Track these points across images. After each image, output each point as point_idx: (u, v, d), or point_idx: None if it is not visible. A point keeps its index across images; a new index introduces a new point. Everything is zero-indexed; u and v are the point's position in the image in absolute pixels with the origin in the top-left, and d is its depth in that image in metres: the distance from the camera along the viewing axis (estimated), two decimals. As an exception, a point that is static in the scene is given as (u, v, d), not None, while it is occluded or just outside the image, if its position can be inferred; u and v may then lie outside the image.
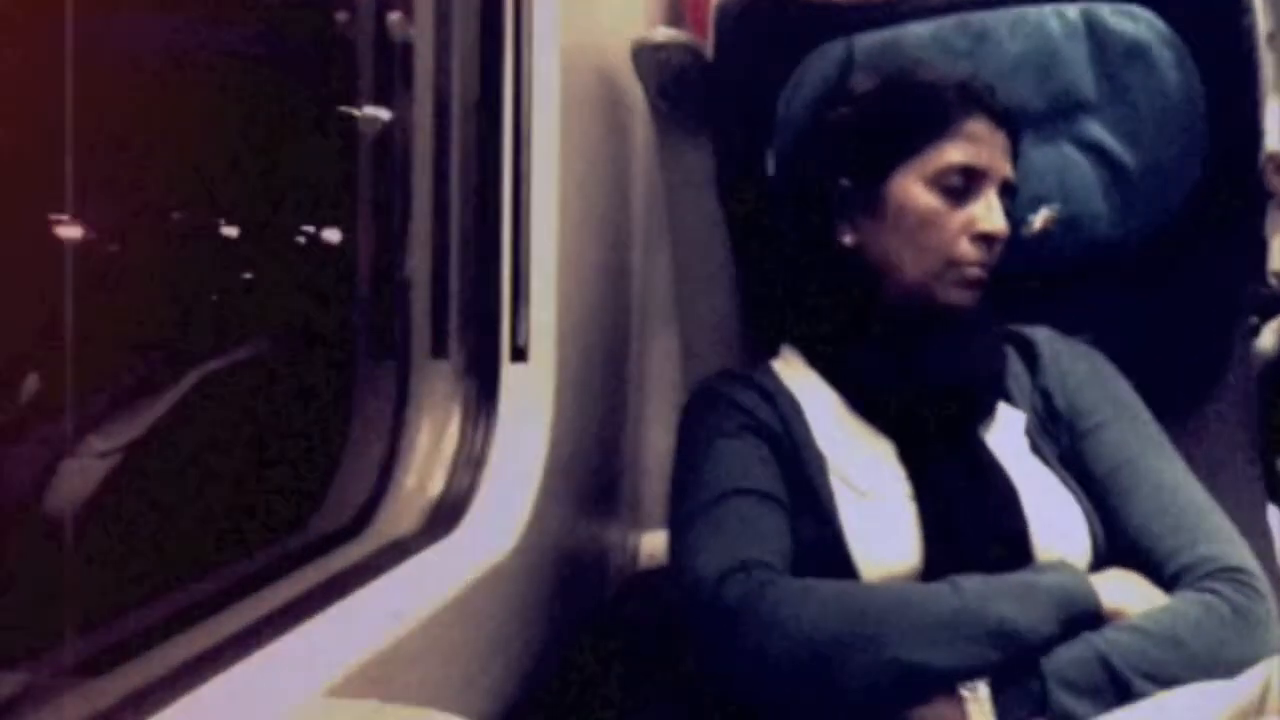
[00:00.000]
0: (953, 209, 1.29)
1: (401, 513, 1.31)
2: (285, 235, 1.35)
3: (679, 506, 1.28)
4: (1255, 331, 1.54)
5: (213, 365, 1.29)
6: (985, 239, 1.28)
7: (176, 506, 1.22)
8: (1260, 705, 1.01)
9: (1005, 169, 1.31)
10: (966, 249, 1.28)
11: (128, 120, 1.14)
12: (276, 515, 1.29)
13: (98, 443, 1.21)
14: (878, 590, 1.17)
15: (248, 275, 1.33)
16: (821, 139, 1.37)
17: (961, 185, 1.29)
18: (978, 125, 1.30)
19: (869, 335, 1.33)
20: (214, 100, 1.26)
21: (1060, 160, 1.51)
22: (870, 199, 1.32)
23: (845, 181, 1.33)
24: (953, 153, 1.29)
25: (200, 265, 1.26)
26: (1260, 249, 1.50)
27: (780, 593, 1.14)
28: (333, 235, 1.41)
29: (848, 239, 1.33)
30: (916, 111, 1.31)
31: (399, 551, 1.22)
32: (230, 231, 1.30)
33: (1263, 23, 1.50)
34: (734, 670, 1.15)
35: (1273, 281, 1.56)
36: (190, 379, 1.27)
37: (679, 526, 1.26)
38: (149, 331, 1.24)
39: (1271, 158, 1.47)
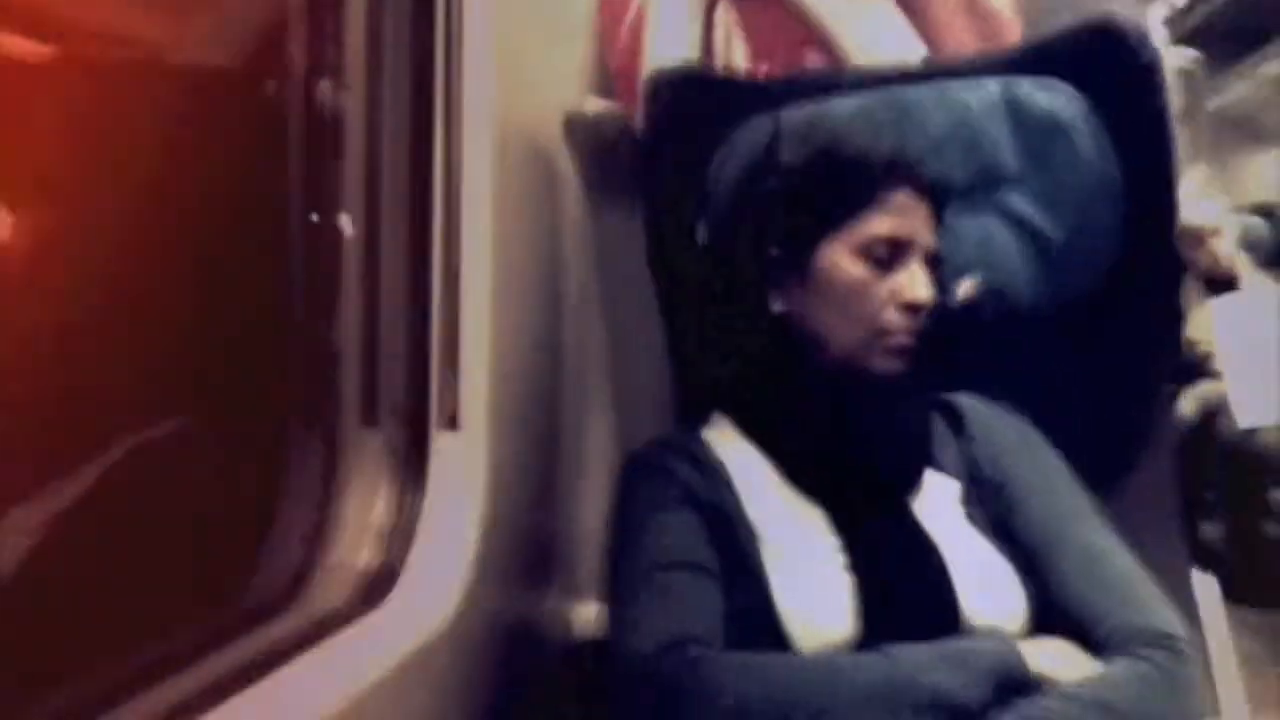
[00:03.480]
0: (879, 278, 1.31)
1: (331, 586, 1.29)
2: (212, 304, 1.33)
3: (614, 579, 1.27)
4: (1173, 397, 1.57)
5: (138, 437, 1.27)
6: (911, 308, 1.30)
7: (100, 581, 1.19)
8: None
9: (929, 239, 1.34)
10: (893, 317, 1.30)
11: (54, 185, 1.13)
12: (202, 589, 1.26)
13: (19, 518, 1.19)
14: (812, 661, 1.17)
15: (175, 345, 1.30)
16: (751, 209, 1.39)
17: (887, 256, 1.31)
18: (903, 197, 1.33)
19: (799, 403, 1.34)
20: (146, 166, 1.25)
21: (984, 231, 1.54)
22: (799, 268, 1.33)
23: (774, 251, 1.34)
24: (879, 224, 1.31)
25: (126, 336, 1.24)
26: (1178, 318, 1.53)
27: (716, 667, 1.14)
28: (262, 303, 1.39)
29: (776, 306, 1.35)
30: (844, 183, 1.33)
31: (328, 626, 1.20)
32: (155, 301, 1.29)
33: (1176, 99, 1.54)
34: None
35: (1188, 349, 1.59)
36: (116, 451, 1.24)
37: (614, 600, 1.25)
38: (73, 402, 1.22)
39: (1186, 230, 1.51)
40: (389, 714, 1.13)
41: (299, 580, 1.29)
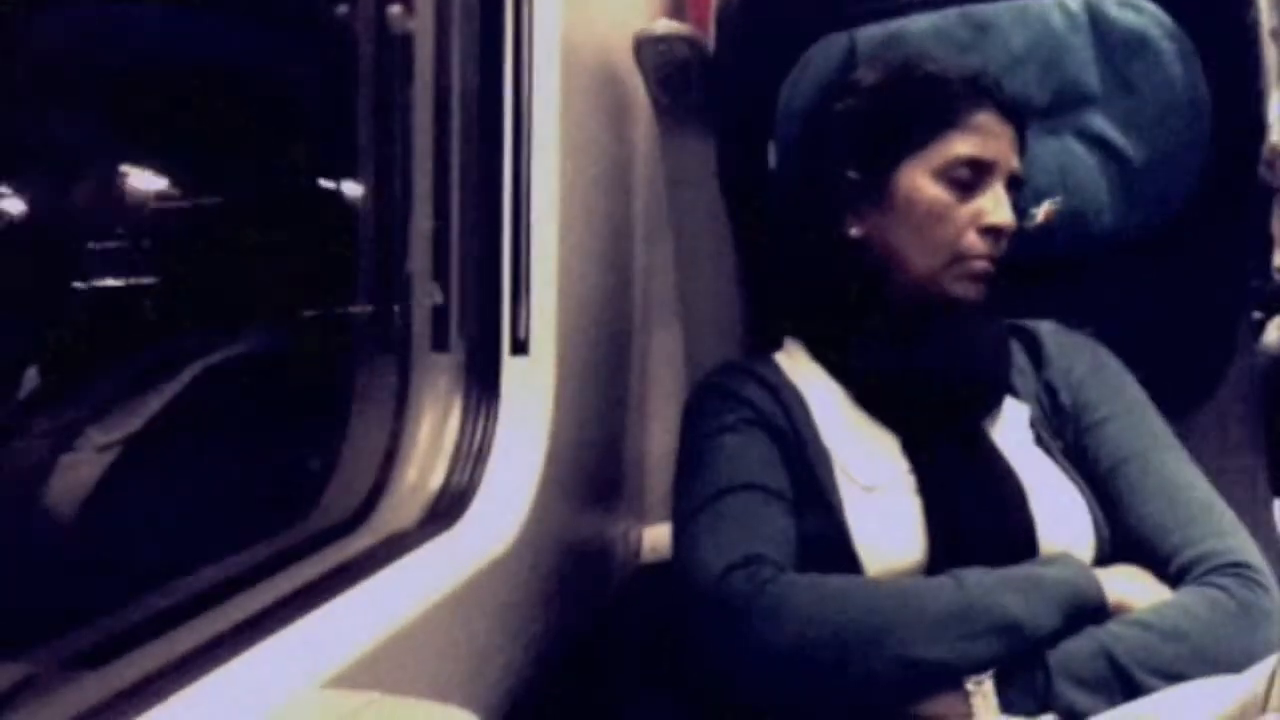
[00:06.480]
0: (960, 201, 1.29)
1: (402, 506, 1.31)
2: (285, 228, 1.34)
3: (682, 502, 1.27)
4: (1260, 326, 1.54)
5: (212, 358, 1.29)
6: (993, 232, 1.28)
7: (176, 500, 1.21)
8: (1264, 701, 1.00)
9: (1013, 162, 1.32)
10: (974, 241, 1.28)
11: (125, 106, 1.14)
12: (275, 508, 1.28)
13: (97, 436, 1.21)
14: (881, 585, 1.17)
15: (248, 266, 1.32)
16: (827, 131, 1.37)
17: (969, 178, 1.29)
18: (986, 118, 1.30)
19: (874, 328, 1.32)
20: (216, 92, 1.26)
21: (1063, 153, 1.50)
22: (877, 191, 1.31)
23: (852, 173, 1.33)
24: (960, 145, 1.29)
25: (199, 256, 1.26)
26: (1265, 243, 1.49)
27: (783, 588, 1.14)
28: (333, 225, 1.40)
29: (854, 231, 1.33)
30: (924, 103, 1.31)
31: (399, 544, 1.22)
32: (231, 223, 1.30)
33: (1266, 16, 1.49)
34: (736, 666, 1.14)
35: (1277, 276, 1.55)
36: (189, 372, 1.26)
37: (682, 522, 1.25)
38: (148, 323, 1.23)
39: (1275, 151, 1.47)
40: (457, 631, 1.14)
41: (371, 500, 1.31)
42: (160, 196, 1.24)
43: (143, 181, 1.23)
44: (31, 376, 1.15)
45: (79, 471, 1.18)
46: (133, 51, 1.19)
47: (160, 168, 1.22)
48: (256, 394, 1.33)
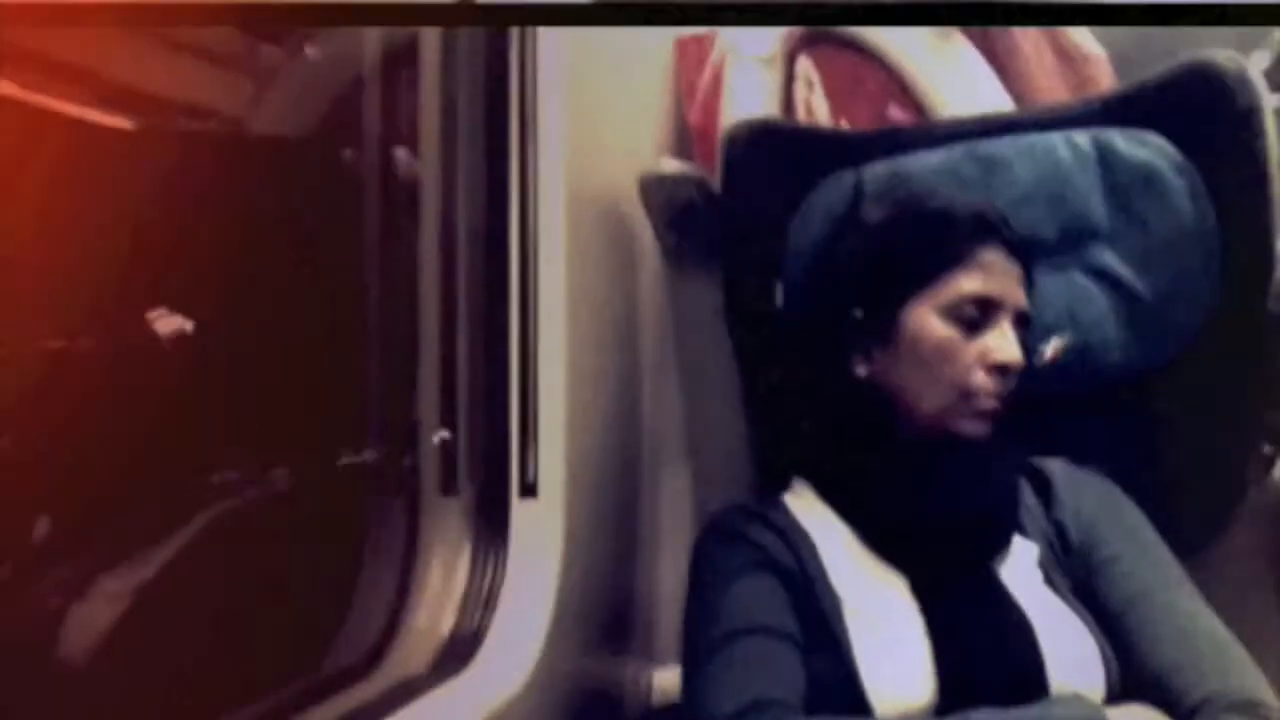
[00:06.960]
0: (967, 339, 1.29)
1: (412, 651, 1.30)
2: (293, 375, 1.35)
3: (691, 644, 1.27)
4: (1271, 461, 1.52)
5: (224, 505, 1.29)
6: (1000, 370, 1.28)
7: (187, 647, 1.21)
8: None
9: (1020, 299, 1.32)
10: (981, 379, 1.28)
11: (141, 257, 1.16)
12: (287, 654, 1.28)
13: (108, 584, 1.21)
14: None
15: (257, 414, 1.32)
16: (834, 269, 1.38)
17: (976, 315, 1.29)
18: (992, 255, 1.31)
19: (881, 469, 1.32)
20: (229, 238, 1.27)
21: (1072, 289, 1.49)
22: (884, 329, 1.32)
23: (858, 312, 1.33)
24: (967, 282, 1.29)
25: (211, 409, 1.27)
26: (1275, 376, 1.48)
27: None
28: (342, 375, 1.41)
29: (861, 370, 1.33)
30: (930, 240, 1.32)
31: (410, 689, 1.21)
32: (242, 373, 1.31)
33: (1276, 147, 1.49)
34: None
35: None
36: (201, 519, 1.27)
37: (692, 665, 1.25)
38: (160, 471, 1.24)
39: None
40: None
41: (381, 645, 1.31)
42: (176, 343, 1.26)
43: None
44: (43, 524, 1.15)
45: (90, 620, 1.18)
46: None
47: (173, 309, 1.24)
48: (268, 540, 1.33)
